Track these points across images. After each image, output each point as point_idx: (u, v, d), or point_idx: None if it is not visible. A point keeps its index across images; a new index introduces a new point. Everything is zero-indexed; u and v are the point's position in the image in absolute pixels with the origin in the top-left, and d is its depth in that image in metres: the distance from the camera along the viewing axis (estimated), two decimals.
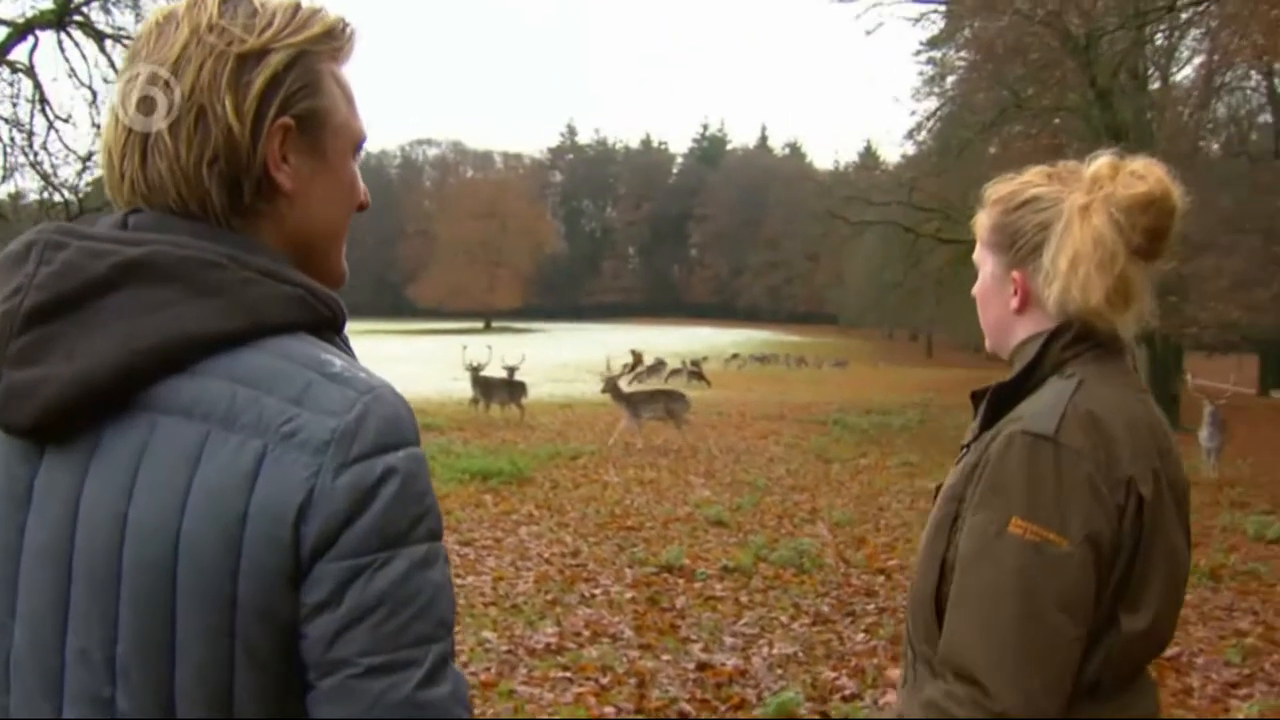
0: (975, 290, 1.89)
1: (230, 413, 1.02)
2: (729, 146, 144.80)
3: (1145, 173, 1.72)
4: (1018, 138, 26.05)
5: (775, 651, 6.35)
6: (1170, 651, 6.21)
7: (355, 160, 1.24)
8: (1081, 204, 1.73)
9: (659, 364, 35.02)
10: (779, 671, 5.99)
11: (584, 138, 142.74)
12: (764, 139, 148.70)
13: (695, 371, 35.56)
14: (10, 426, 1.05)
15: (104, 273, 1.04)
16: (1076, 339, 1.74)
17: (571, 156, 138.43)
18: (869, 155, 74.85)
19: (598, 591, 7.81)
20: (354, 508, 1.01)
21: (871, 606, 7.49)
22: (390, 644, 1.01)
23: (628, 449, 17.27)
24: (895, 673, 5.62)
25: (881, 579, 8.40)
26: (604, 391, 18.75)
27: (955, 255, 26.74)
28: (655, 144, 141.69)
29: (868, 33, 23.10)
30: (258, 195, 1.13)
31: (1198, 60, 27.45)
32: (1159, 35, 23.67)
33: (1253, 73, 26.44)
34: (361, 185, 1.25)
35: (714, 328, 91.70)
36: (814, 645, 6.50)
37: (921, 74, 31.28)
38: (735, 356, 56.70)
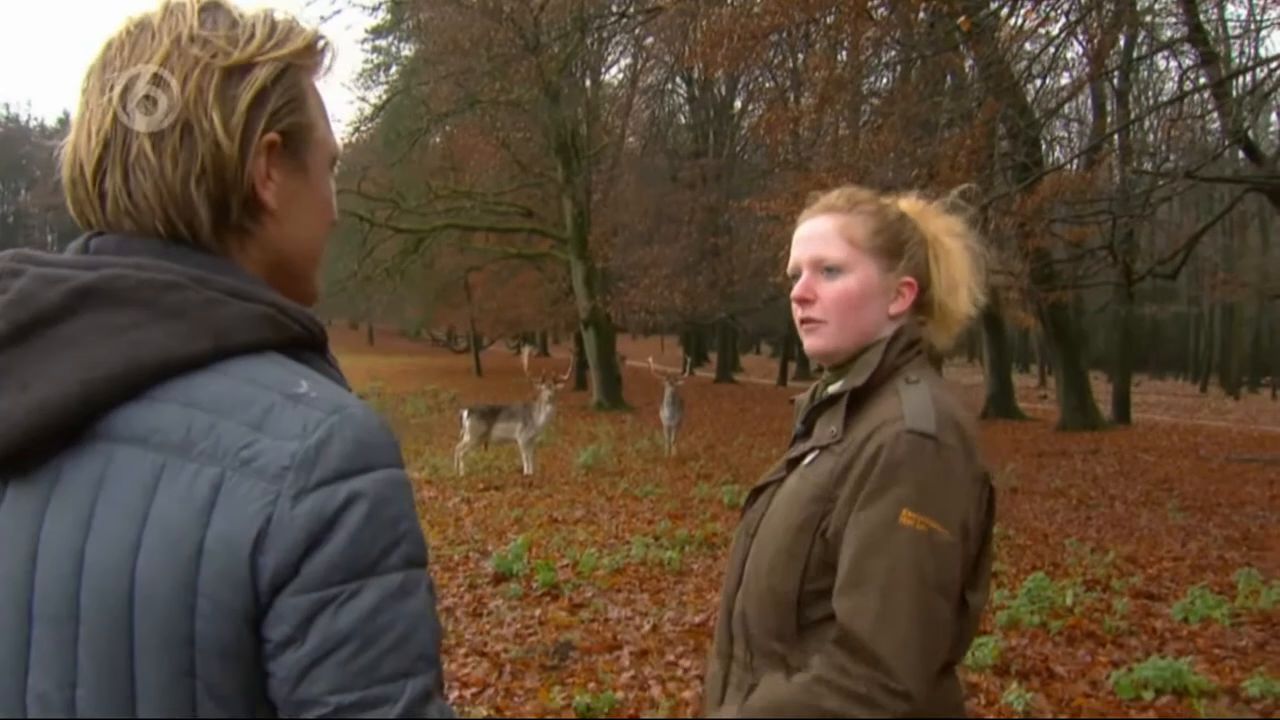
0: (840, 289, 1.88)
1: (187, 440, 0.97)
2: None
3: (951, 209, 1.97)
4: (464, 129, 26.76)
5: None
6: (699, 618, 6.66)
7: (331, 177, 1.21)
8: (937, 228, 1.93)
9: None
10: None
11: None
12: None
13: None
14: None
15: (59, 299, 1.00)
16: (909, 345, 1.85)
17: None
18: None
19: None
20: (315, 537, 0.95)
21: None
22: (362, 681, 0.95)
23: None
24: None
25: None
26: None
27: (405, 244, 27.01)
28: None
29: (323, 19, 22.47)
30: (244, 213, 1.09)
31: (624, 63, 29.85)
32: (589, 39, 25.35)
33: (677, 77, 29.22)
34: (335, 202, 1.22)
35: None
36: None
37: (368, 62, 31.21)
38: None
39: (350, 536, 0.96)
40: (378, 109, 27.76)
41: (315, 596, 0.95)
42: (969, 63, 14.67)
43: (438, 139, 28.55)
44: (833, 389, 1.89)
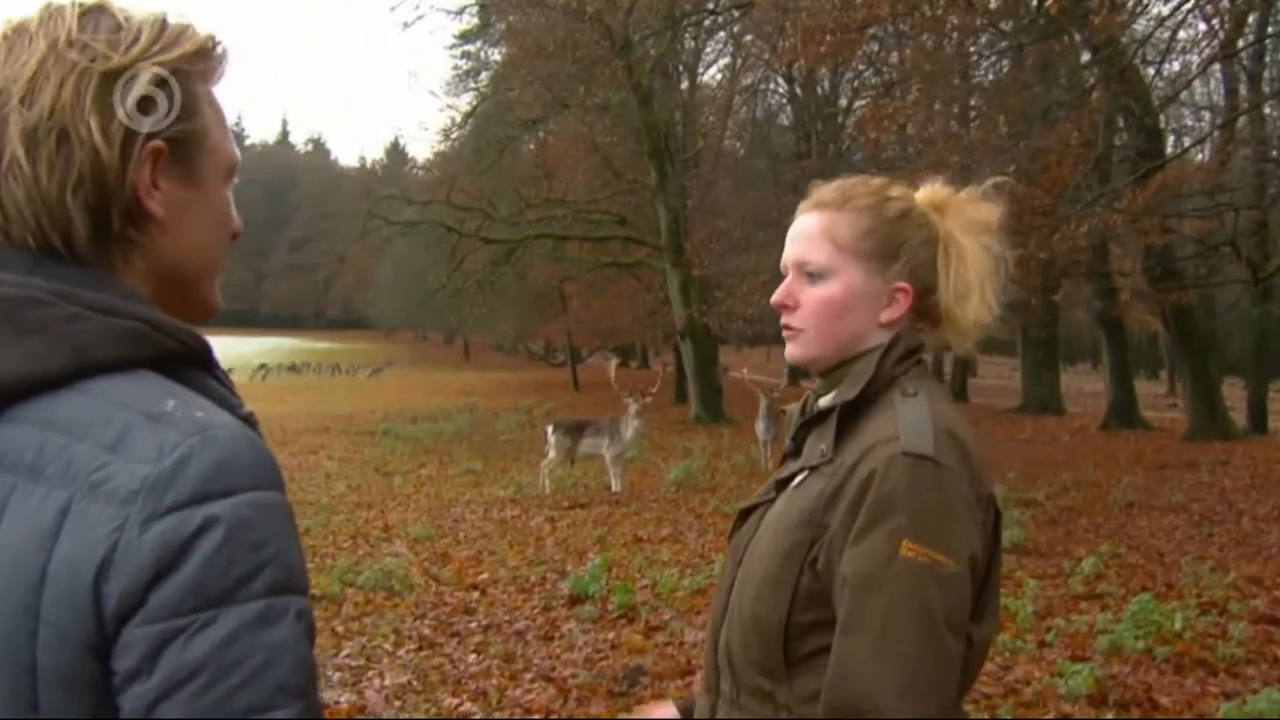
0: (821, 296, 1.74)
1: (38, 463, 0.95)
2: (247, 142, 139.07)
3: (981, 199, 1.79)
4: (555, 135, 26.64)
5: (388, 683, 5.96)
6: None
7: (228, 186, 1.16)
8: (955, 224, 1.76)
9: None
10: (398, 704, 5.60)
11: None
12: (285, 134, 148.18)
13: None
14: None
15: None
16: (906, 354, 1.73)
17: None
18: (396, 152, 74.68)
19: None
20: (163, 564, 0.91)
21: (474, 625, 7.20)
22: (213, 715, 0.91)
23: None
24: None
25: (476, 595, 8.12)
26: None
27: (495, 255, 26.94)
28: None
29: (406, 25, 22.71)
30: (127, 223, 1.06)
31: (723, 62, 29.46)
32: (687, 37, 25.02)
33: (777, 76, 28.80)
34: (235, 213, 1.18)
35: (236, 337, 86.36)
36: (427, 672, 6.15)
37: (456, 68, 31.28)
38: (263, 367, 56.29)
39: (204, 563, 0.92)
40: (467, 116, 27.74)
41: (164, 626, 0.91)
42: (1082, 53, 13.99)
43: (531, 145, 28.48)
44: (823, 402, 1.76)
